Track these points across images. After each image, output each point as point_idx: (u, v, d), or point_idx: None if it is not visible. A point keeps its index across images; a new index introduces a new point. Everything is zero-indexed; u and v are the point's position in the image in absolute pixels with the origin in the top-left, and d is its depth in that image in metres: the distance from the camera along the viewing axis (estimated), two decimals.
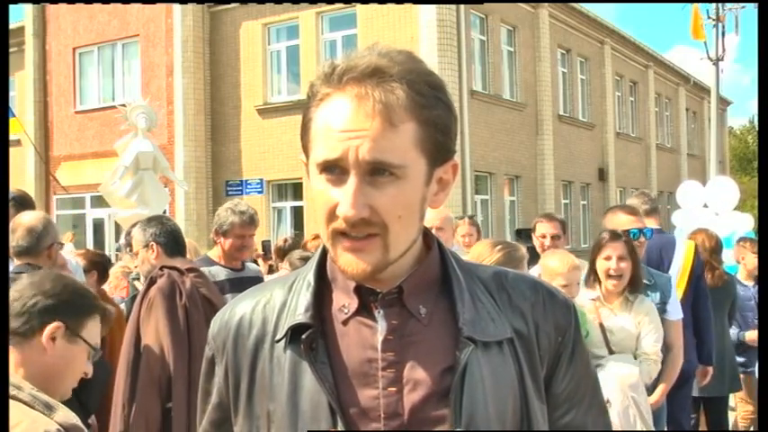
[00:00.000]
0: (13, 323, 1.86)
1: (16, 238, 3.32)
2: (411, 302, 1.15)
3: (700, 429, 5.44)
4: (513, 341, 1.16)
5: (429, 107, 1.09)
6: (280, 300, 1.21)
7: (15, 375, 1.79)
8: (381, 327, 1.14)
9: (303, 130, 1.14)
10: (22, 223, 3.37)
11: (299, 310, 1.16)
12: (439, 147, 1.12)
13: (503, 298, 1.20)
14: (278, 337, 1.17)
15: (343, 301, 1.17)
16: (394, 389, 1.11)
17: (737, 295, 5.68)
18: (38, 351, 1.86)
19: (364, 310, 1.15)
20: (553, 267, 3.64)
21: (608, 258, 3.69)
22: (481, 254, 3.31)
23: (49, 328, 1.87)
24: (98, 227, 18.80)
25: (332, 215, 1.08)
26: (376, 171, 1.06)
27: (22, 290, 1.92)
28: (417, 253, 1.18)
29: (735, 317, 5.72)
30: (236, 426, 1.21)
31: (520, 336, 1.17)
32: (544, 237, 4.86)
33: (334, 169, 1.07)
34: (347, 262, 1.09)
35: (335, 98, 1.09)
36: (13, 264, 3.76)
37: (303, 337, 1.13)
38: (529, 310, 1.19)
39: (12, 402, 1.70)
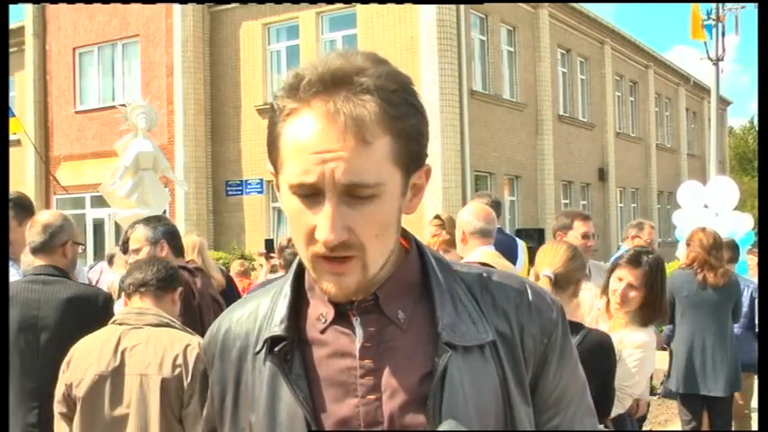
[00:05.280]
0: (154, 283, 2.93)
1: (32, 235, 3.35)
2: (389, 308, 1.13)
3: (703, 430, 5.43)
4: (496, 344, 1.13)
5: (402, 118, 1.05)
6: (263, 310, 1.20)
7: (165, 314, 2.90)
8: (359, 334, 1.12)
9: (271, 146, 1.09)
10: (38, 220, 3.43)
11: (274, 322, 1.15)
12: (413, 156, 1.09)
13: (486, 300, 1.17)
14: (257, 349, 1.16)
15: (321, 310, 1.15)
16: (373, 396, 1.10)
17: (741, 295, 5.64)
18: (169, 303, 2.98)
19: (342, 318, 1.13)
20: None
21: (619, 279, 3.53)
22: (556, 252, 3.15)
23: (178, 290, 3.05)
24: (98, 227, 18.79)
25: (310, 238, 1.05)
26: (352, 192, 1.03)
27: (149, 263, 3.03)
28: (395, 257, 1.15)
29: (739, 317, 5.65)
30: None
31: (503, 338, 1.14)
32: (587, 237, 4.44)
33: (309, 192, 1.04)
34: (328, 285, 1.08)
35: (303, 115, 1.04)
36: (18, 265, 3.76)
37: (276, 350, 1.12)
38: (513, 312, 1.16)
39: (170, 330, 2.83)
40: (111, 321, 2.96)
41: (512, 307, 1.17)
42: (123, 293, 3.07)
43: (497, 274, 1.22)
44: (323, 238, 1.03)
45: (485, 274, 1.21)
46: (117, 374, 2.78)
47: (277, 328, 1.14)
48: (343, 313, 1.13)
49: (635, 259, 3.56)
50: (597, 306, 3.70)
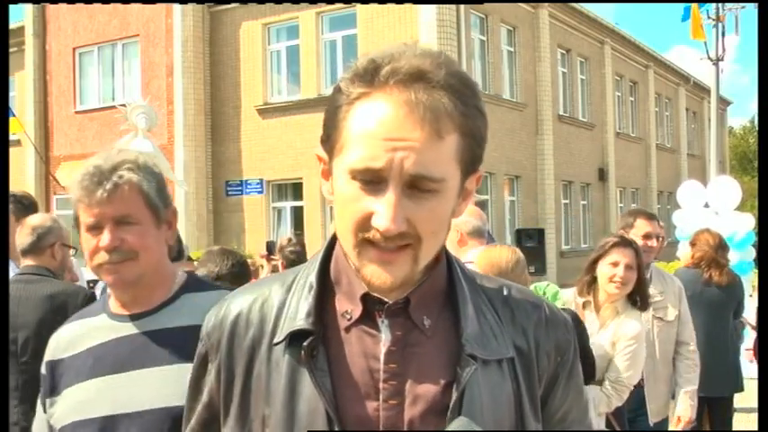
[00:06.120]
0: (229, 278, 2.94)
1: (21, 237, 3.41)
2: (416, 313, 1.12)
3: (703, 430, 5.43)
4: (514, 360, 1.13)
5: (472, 117, 1.05)
6: (278, 299, 1.16)
7: None
8: (385, 337, 1.10)
9: (332, 128, 1.07)
10: (27, 223, 3.49)
11: (299, 315, 1.12)
12: (474, 158, 1.08)
13: (506, 314, 1.17)
14: (276, 341, 1.13)
15: (347, 306, 1.13)
16: (395, 401, 1.09)
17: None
18: None
19: (368, 318, 1.12)
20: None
21: (614, 265, 3.53)
22: (500, 258, 3.14)
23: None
24: None
25: (363, 224, 1.03)
26: (416, 184, 1.02)
27: (222, 255, 3.09)
28: (429, 263, 1.14)
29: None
30: (226, 427, 1.17)
31: (520, 353, 1.14)
32: (649, 237, 4.22)
33: (372, 178, 1.02)
34: (373, 273, 1.05)
35: (378, 100, 1.02)
36: (18, 264, 3.79)
37: (305, 344, 1.10)
38: (531, 328, 1.17)
39: None
40: None
41: (530, 323, 1.17)
42: None
43: (516, 289, 1.22)
44: (383, 227, 1.01)
45: (505, 289, 1.21)
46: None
47: (303, 322, 1.11)
48: (369, 313, 1.12)
49: (624, 241, 3.61)
50: (580, 301, 3.70)
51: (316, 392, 1.08)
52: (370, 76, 1.03)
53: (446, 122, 1.02)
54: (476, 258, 3.27)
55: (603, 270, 3.58)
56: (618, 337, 3.44)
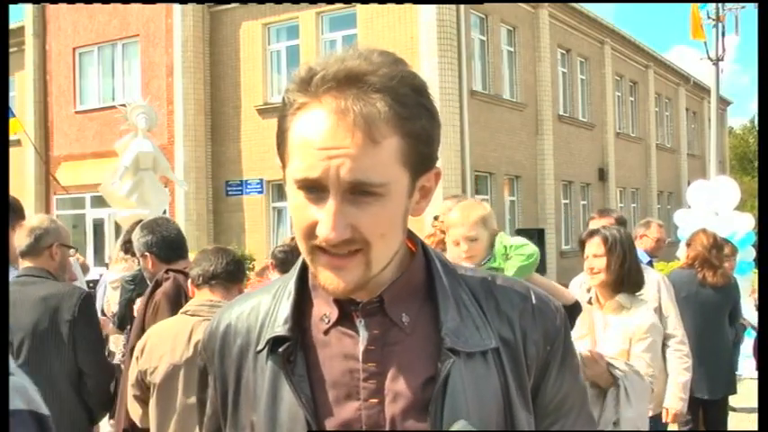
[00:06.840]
0: (224, 276, 3.04)
1: (19, 239, 3.42)
2: (393, 311, 1.12)
3: (699, 430, 5.43)
4: (499, 350, 1.13)
5: (412, 118, 1.05)
6: (264, 307, 1.19)
7: None
8: (363, 337, 1.11)
9: (279, 139, 1.09)
10: (26, 225, 3.51)
11: (278, 322, 1.14)
12: (422, 158, 1.08)
13: (490, 305, 1.16)
14: (258, 348, 1.15)
15: (324, 310, 1.14)
16: (375, 400, 1.09)
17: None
18: (235, 293, 2.98)
19: (346, 319, 1.13)
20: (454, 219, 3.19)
21: (586, 257, 3.64)
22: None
23: (244, 282, 3.24)
24: (98, 227, 18.79)
25: (310, 233, 1.05)
26: (357, 190, 1.02)
27: (217, 254, 3.11)
28: (400, 259, 1.14)
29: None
30: None
31: (506, 344, 1.14)
32: None
33: (313, 188, 1.03)
34: (327, 279, 1.07)
35: (313, 110, 1.03)
36: (17, 267, 3.79)
37: (280, 350, 1.12)
38: (516, 318, 1.16)
39: None
40: (182, 312, 3.08)
41: (515, 313, 1.16)
42: (190, 282, 3.16)
43: (501, 279, 1.22)
44: (323, 236, 1.02)
45: (489, 278, 1.21)
46: (190, 364, 2.84)
47: (280, 329, 1.13)
48: (347, 314, 1.13)
49: (590, 232, 3.72)
50: (587, 297, 3.73)
51: (294, 398, 1.09)
52: (306, 85, 1.04)
53: (381, 127, 1.02)
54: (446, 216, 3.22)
55: (584, 265, 3.69)
56: (632, 333, 3.44)
